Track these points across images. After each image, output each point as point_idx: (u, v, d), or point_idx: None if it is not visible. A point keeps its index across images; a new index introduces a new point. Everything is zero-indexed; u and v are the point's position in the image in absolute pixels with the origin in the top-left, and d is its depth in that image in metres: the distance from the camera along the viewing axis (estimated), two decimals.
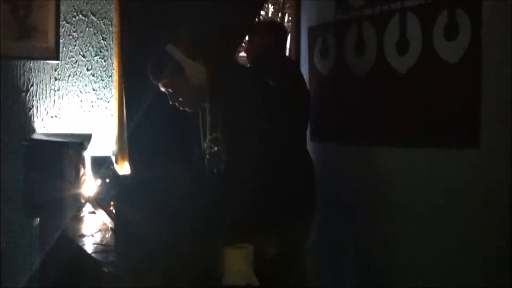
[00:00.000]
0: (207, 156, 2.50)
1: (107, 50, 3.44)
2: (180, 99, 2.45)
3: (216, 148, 2.41)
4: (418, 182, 2.74)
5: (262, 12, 7.63)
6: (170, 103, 2.48)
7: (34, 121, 3.17)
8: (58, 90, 3.27)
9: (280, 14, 7.21)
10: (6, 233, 2.98)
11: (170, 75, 2.39)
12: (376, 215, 2.96)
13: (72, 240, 2.62)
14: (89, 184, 3.08)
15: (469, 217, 2.52)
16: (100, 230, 2.73)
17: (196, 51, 2.40)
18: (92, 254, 2.36)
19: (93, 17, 3.39)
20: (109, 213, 2.71)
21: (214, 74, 2.41)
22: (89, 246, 2.49)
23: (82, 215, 3.02)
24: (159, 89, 2.49)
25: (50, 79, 3.24)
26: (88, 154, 3.14)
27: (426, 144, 2.72)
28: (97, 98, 3.41)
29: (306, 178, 2.61)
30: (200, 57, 2.39)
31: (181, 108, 2.49)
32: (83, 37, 3.36)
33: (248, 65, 3.17)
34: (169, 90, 2.44)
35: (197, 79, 2.39)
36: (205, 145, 2.51)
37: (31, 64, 3.17)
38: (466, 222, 2.53)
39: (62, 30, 3.26)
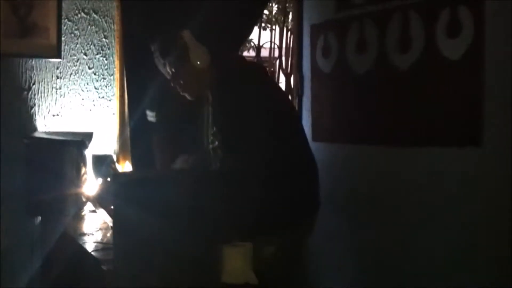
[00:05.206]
0: (210, 151, 2.47)
1: (108, 48, 3.44)
2: (181, 81, 2.45)
3: (216, 143, 2.38)
4: (420, 181, 2.73)
5: (266, 11, 7.65)
6: (172, 85, 2.48)
7: (35, 120, 3.17)
8: (60, 88, 3.26)
9: (283, 13, 7.21)
10: (7, 231, 2.97)
11: (175, 54, 2.40)
12: (376, 214, 2.95)
13: (73, 239, 2.61)
14: (90, 183, 3.08)
15: (470, 216, 2.51)
16: (100, 229, 2.73)
17: (202, 33, 2.39)
18: (92, 252, 2.36)
19: (95, 15, 3.38)
20: (109, 212, 2.71)
21: (218, 63, 2.39)
22: (89, 244, 2.49)
23: (83, 213, 3.02)
24: (162, 82, 2.50)
25: (52, 77, 3.24)
26: (89, 153, 3.14)
27: (428, 142, 2.70)
28: (99, 97, 3.41)
29: (308, 176, 2.58)
30: (205, 40, 2.38)
31: (180, 93, 2.48)
32: (84, 35, 3.35)
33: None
34: (172, 70, 2.44)
35: (200, 63, 2.38)
36: (209, 140, 2.47)
37: (33, 62, 3.16)
38: (467, 222, 2.52)
39: (63, 28, 3.25)
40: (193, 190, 2.19)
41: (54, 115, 3.24)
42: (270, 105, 2.38)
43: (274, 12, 8.12)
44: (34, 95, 3.16)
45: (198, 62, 2.39)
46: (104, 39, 3.42)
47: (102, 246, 2.41)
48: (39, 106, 3.18)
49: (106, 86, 3.44)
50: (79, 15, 3.32)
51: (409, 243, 2.78)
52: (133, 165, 3.35)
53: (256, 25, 3.43)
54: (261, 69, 2.66)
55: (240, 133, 2.26)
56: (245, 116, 2.28)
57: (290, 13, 6.64)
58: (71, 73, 3.31)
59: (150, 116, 2.98)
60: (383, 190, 2.94)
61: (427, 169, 2.71)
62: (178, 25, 2.48)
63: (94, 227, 2.78)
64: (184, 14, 2.91)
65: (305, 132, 2.61)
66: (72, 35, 3.30)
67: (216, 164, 2.38)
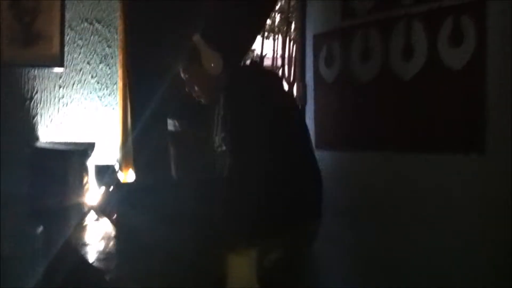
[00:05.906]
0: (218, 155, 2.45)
1: (111, 58, 3.44)
2: (196, 87, 2.44)
3: (224, 148, 2.32)
4: (422, 188, 2.73)
5: (269, 21, 7.65)
6: (186, 90, 2.47)
7: (38, 129, 3.17)
8: (63, 97, 3.27)
9: (285, 22, 7.22)
10: (10, 240, 2.97)
11: (187, 59, 2.39)
12: (379, 220, 2.95)
13: (75, 248, 2.61)
14: (93, 192, 3.08)
15: (472, 223, 2.51)
16: (103, 238, 2.72)
17: (213, 36, 2.38)
18: (95, 262, 2.35)
19: (98, 25, 3.39)
20: (112, 222, 2.70)
21: (230, 68, 2.38)
22: (91, 254, 2.48)
23: (85, 223, 3.01)
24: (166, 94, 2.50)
25: (55, 86, 3.24)
26: (92, 163, 3.14)
27: (431, 150, 2.70)
28: (102, 106, 3.41)
29: (312, 185, 2.57)
30: (216, 44, 2.37)
31: (196, 98, 2.48)
32: (87, 44, 3.36)
33: None
34: (187, 76, 2.44)
35: (212, 68, 2.37)
36: (216, 143, 2.46)
37: (36, 71, 3.17)
38: (470, 228, 2.52)
39: (67, 37, 3.26)
40: (196, 197, 2.18)
41: (56, 125, 3.24)
42: (279, 112, 2.36)
43: (276, 21, 8.14)
44: (37, 104, 3.17)
45: (212, 65, 2.37)
46: (107, 49, 3.43)
47: (105, 256, 2.41)
48: (41, 115, 3.18)
49: (109, 95, 3.44)
50: (82, 25, 3.33)
51: (411, 249, 2.77)
52: (136, 174, 3.35)
53: (259, 34, 3.42)
54: (273, 76, 2.61)
55: (248, 139, 2.24)
56: (254, 123, 2.25)
57: (293, 22, 6.66)
58: (74, 83, 3.32)
59: (171, 125, 2.94)
60: (386, 197, 2.94)
61: (429, 176, 2.71)
62: (188, 29, 2.47)
63: (96, 236, 2.77)
64: (194, 18, 2.91)
65: (311, 142, 2.60)
66: (75, 44, 3.31)
67: (223, 168, 2.36)
